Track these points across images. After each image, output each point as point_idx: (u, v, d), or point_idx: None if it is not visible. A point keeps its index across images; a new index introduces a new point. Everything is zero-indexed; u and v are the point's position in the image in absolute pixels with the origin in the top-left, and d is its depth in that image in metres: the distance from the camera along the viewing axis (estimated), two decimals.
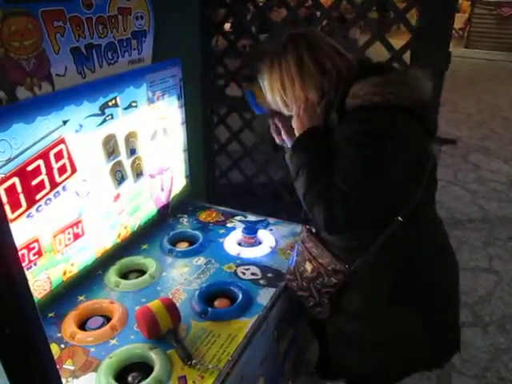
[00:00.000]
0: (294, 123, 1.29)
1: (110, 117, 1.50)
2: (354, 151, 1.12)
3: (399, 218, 1.18)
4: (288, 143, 1.49)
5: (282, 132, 1.46)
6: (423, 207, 1.25)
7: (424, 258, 1.28)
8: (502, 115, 6.84)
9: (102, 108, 1.46)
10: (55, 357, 1.22)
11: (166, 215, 1.93)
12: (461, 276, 1.41)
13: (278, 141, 1.51)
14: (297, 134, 1.30)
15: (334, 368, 1.52)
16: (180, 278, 1.56)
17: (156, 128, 1.75)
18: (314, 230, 1.39)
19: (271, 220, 1.93)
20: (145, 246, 1.75)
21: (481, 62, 11.27)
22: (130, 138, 1.62)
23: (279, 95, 1.28)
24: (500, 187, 4.48)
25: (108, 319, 1.38)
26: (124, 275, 1.60)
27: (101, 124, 1.47)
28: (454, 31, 14.42)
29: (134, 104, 1.60)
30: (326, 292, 1.32)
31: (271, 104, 1.35)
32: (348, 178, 1.12)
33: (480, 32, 13.25)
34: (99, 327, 1.34)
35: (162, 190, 1.88)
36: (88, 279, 1.54)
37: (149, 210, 1.83)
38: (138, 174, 1.71)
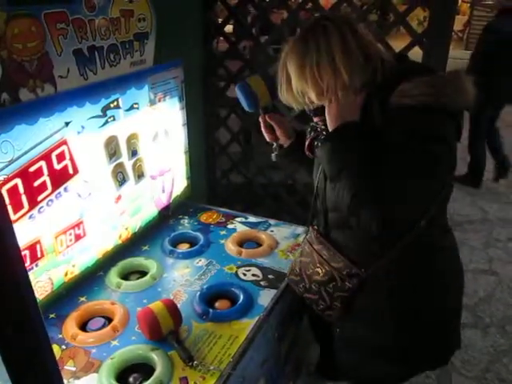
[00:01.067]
0: (332, 112, 1.16)
1: (111, 118, 1.51)
2: (408, 154, 1.05)
3: (422, 223, 1.14)
4: (283, 143, 1.47)
5: (278, 132, 1.44)
6: (440, 214, 1.24)
7: (438, 264, 1.26)
8: (501, 117, 6.84)
9: (104, 109, 1.47)
10: (56, 358, 1.22)
11: (167, 216, 1.94)
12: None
13: (268, 139, 1.48)
14: (330, 125, 1.17)
15: (337, 370, 1.49)
16: (181, 279, 1.56)
17: (157, 129, 1.76)
18: (322, 231, 1.34)
19: (272, 221, 1.93)
20: (146, 247, 1.75)
21: None
22: (131, 139, 1.63)
23: (312, 80, 1.13)
24: (500, 188, 4.49)
25: (109, 320, 1.38)
26: (125, 276, 1.60)
27: (103, 125, 1.47)
28: (453, 33, 14.41)
29: (135, 106, 1.61)
30: (338, 296, 1.29)
31: (295, 91, 1.19)
32: (400, 180, 1.04)
33: (479, 34, 13.24)
34: (100, 328, 1.34)
35: (163, 191, 1.88)
36: (89, 280, 1.54)
37: (150, 211, 1.83)
38: (140, 175, 1.71)
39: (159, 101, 1.72)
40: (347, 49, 1.10)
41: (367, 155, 1.09)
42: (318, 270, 1.32)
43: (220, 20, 2.45)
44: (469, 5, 14.23)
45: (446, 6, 1.92)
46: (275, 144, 1.48)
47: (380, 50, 1.17)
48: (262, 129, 1.47)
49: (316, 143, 1.28)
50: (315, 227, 1.37)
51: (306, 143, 1.35)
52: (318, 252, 1.33)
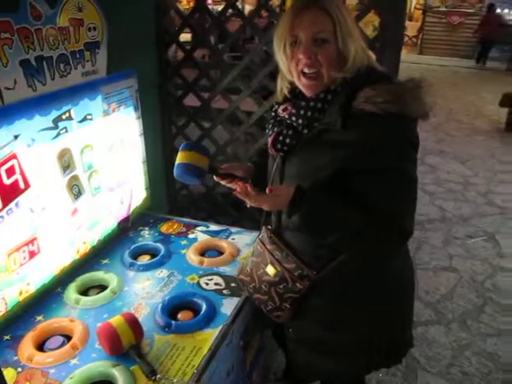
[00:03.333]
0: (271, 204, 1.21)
1: (64, 130, 1.47)
2: (392, 166, 1.11)
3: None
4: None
5: (239, 173, 1.39)
6: None
7: (388, 267, 1.29)
8: (455, 118, 7.11)
9: (56, 121, 1.43)
10: (11, 382, 1.17)
11: (127, 228, 1.90)
12: (423, 276, 1.45)
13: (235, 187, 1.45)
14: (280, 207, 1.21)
15: (298, 372, 1.50)
16: (142, 291, 1.53)
17: (113, 140, 1.72)
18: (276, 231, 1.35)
19: (233, 229, 1.92)
20: (105, 261, 1.71)
21: (434, 67, 11.68)
22: (85, 151, 1.59)
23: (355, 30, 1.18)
24: (456, 187, 4.63)
25: (68, 338, 1.33)
26: (84, 292, 1.56)
27: (55, 138, 1.43)
28: (408, 39, 15.01)
29: (88, 117, 1.57)
30: (288, 297, 1.30)
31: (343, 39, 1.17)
32: (396, 197, 1.12)
33: (432, 39, 13.80)
34: (59, 347, 1.29)
35: (122, 202, 1.84)
36: (46, 298, 1.49)
37: (108, 223, 1.79)
38: (96, 187, 1.67)
39: (113, 111, 1.69)
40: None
41: (338, 204, 1.15)
42: (269, 270, 1.32)
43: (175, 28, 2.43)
44: (421, 11, 14.72)
45: (396, 12, 1.98)
46: None
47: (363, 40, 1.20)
48: (225, 183, 1.41)
49: (281, 138, 1.26)
50: (268, 227, 1.37)
51: (270, 139, 1.30)
52: (271, 252, 1.32)
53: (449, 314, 2.72)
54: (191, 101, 2.45)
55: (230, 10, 2.26)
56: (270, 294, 1.33)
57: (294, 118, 1.23)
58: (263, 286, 1.35)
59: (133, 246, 1.78)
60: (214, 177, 1.36)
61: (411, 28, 14.66)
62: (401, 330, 1.38)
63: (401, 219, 1.13)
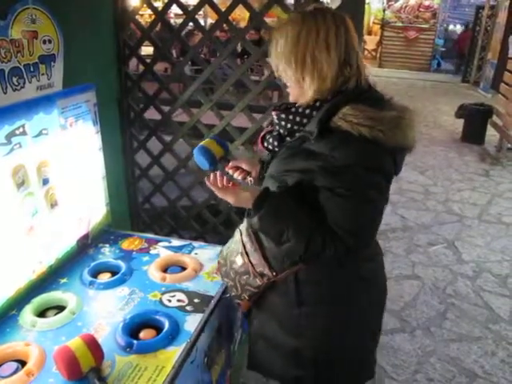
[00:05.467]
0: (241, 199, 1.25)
1: (17, 146, 1.41)
2: (350, 191, 1.13)
3: None
4: (255, 175, 1.48)
5: (246, 166, 1.48)
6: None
7: (354, 278, 1.30)
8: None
9: (8, 137, 1.37)
10: None
11: (86, 246, 1.84)
12: (387, 284, 1.44)
13: (242, 178, 1.50)
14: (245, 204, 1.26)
15: (255, 366, 1.48)
16: (102, 311, 1.48)
17: (71, 155, 1.67)
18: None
19: (196, 244, 1.89)
20: (64, 280, 1.64)
21: (393, 80, 12.01)
22: (41, 167, 1.53)
23: (301, 60, 1.15)
24: (417, 197, 4.75)
25: (23, 364, 1.26)
26: (41, 313, 1.49)
27: (8, 154, 1.38)
28: (367, 52, 15.44)
29: (44, 131, 1.52)
30: (247, 289, 1.34)
31: (277, 66, 1.22)
32: (349, 220, 1.15)
33: (390, 53, 14.25)
34: (12, 374, 1.22)
35: (81, 219, 1.79)
36: (0, 322, 1.42)
37: (67, 241, 1.73)
38: (53, 204, 1.61)
39: (71, 125, 1.65)
40: (337, 40, 1.13)
41: (298, 213, 1.18)
42: (238, 259, 1.36)
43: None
44: (379, 26, 15.19)
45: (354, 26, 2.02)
46: (249, 179, 1.49)
47: (360, 60, 1.20)
48: (232, 172, 1.50)
49: (268, 137, 1.31)
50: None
51: (260, 135, 1.37)
52: (244, 243, 1.35)
53: (413, 321, 2.77)
54: (153, 114, 2.43)
55: (191, 24, 2.27)
56: (235, 282, 1.38)
57: (277, 126, 1.28)
58: (231, 273, 1.39)
59: (92, 264, 1.72)
60: (226, 168, 1.49)
61: (370, 42, 15.11)
62: (360, 349, 1.39)
63: (354, 238, 1.16)
